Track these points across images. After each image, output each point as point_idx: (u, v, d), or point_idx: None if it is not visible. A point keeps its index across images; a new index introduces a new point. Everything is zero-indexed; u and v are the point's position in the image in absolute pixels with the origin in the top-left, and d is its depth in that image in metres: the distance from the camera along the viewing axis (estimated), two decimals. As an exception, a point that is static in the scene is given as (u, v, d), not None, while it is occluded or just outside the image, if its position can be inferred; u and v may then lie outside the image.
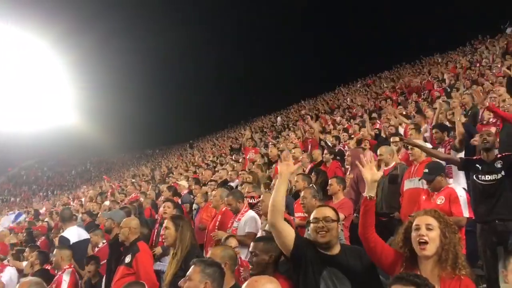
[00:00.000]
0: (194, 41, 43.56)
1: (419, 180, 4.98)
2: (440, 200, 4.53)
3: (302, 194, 5.15)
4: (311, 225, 3.14)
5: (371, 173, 2.94)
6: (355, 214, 6.11)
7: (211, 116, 42.42)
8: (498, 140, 6.22)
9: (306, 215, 5.14)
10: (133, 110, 39.70)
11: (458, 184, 5.59)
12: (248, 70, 44.37)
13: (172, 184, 11.54)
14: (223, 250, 3.75)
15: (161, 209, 7.05)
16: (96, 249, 6.76)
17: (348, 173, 6.85)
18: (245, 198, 6.28)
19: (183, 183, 11.15)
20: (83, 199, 16.98)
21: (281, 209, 3.03)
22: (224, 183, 9.09)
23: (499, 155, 5.01)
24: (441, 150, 6.42)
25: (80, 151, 40.84)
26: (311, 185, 5.82)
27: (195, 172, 15.11)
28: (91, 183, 30.53)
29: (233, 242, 4.68)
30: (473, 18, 27.65)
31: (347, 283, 2.91)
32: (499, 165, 4.79)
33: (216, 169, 13.20)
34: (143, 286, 3.37)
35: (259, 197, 6.44)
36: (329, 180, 5.87)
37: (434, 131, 6.92)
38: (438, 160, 5.20)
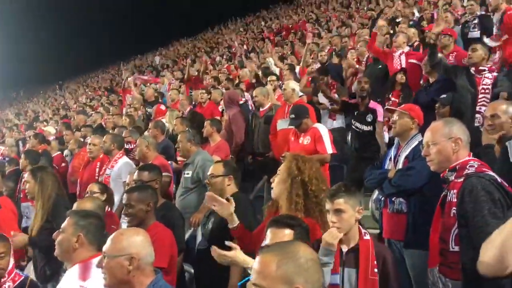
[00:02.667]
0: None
1: (288, 125, 5.18)
2: (306, 140, 4.80)
3: (178, 138, 5.07)
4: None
5: (224, 210, 3.00)
6: (231, 156, 6.27)
7: (82, 54, 39.02)
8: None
9: (183, 159, 5.13)
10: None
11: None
12: (122, 5, 41.06)
13: (38, 131, 10.63)
14: (92, 202, 3.59)
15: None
16: None
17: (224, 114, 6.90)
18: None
19: (50, 128, 10.36)
20: None
21: None
22: (99, 128, 8.61)
23: (370, 106, 5.49)
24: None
25: None
26: (186, 129, 5.75)
27: (65, 116, 14.10)
28: None
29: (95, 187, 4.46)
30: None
31: (211, 223, 3.46)
32: (369, 119, 5.38)
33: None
34: (6, 240, 3.12)
35: (136, 142, 6.21)
36: (205, 122, 5.89)
37: (359, 79, 7.10)
38: (302, 104, 5.48)
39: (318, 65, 8.73)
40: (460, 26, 7.40)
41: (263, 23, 23.08)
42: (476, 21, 6.76)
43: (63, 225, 2.66)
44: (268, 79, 7.51)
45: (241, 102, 7.27)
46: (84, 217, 2.68)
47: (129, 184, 4.22)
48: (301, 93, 6.57)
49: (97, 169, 5.88)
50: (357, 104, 5.62)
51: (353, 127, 5.55)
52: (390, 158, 3.56)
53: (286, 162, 2.92)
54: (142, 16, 39.81)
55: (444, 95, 5.16)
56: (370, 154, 5.34)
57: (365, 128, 5.42)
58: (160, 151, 5.66)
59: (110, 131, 7.53)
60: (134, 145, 6.22)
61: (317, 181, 2.88)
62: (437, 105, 4.97)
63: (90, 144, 6.09)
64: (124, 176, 5.21)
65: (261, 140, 6.28)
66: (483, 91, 4.54)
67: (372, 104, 5.58)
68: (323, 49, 9.73)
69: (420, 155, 3.17)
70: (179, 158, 5.82)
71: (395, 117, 3.58)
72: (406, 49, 6.78)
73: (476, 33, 6.71)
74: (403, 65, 6.47)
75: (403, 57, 6.52)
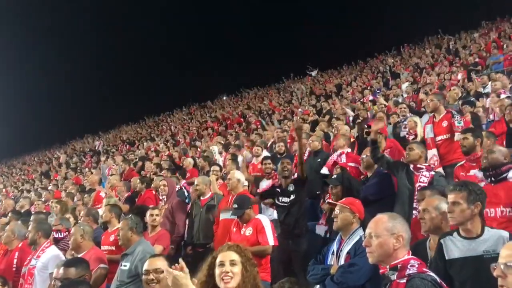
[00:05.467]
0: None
1: (231, 215, 5.13)
2: (248, 231, 4.75)
3: (119, 225, 4.81)
4: (143, 276, 3.26)
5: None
6: (171, 246, 6.01)
7: (19, 136, 37.53)
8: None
9: (114, 248, 4.84)
10: None
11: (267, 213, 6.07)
12: (64, 88, 40.61)
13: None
14: None
15: None
16: None
17: (163, 203, 6.72)
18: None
19: (-21, 211, 9.60)
20: None
21: None
22: (26, 214, 8.05)
23: (292, 178, 5.64)
24: (269, 182, 6.84)
25: None
26: (130, 215, 5.50)
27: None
28: None
29: None
30: (286, 59, 30.78)
31: None
32: (291, 188, 5.47)
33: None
34: None
35: (67, 231, 5.83)
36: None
37: (267, 161, 7.22)
38: (246, 194, 5.50)
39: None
40: (392, 125, 7.98)
41: (207, 113, 23.70)
42: (406, 122, 7.31)
43: None
44: (212, 169, 7.51)
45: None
46: None
47: (56, 279, 3.83)
48: (245, 183, 6.62)
49: (15, 260, 5.40)
50: (276, 186, 5.74)
51: (279, 203, 5.57)
52: (333, 252, 3.55)
53: (236, 252, 2.73)
54: (85, 98, 39.55)
55: (334, 176, 5.57)
56: (299, 231, 5.35)
57: (288, 199, 5.44)
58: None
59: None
60: (65, 234, 5.86)
61: None
62: (330, 186, 5.25)
63: (5, 230, 5.65)
64: (51, 268, 4.80)
65: (202, 230, 6.11)
66: (419, 188, 4.71)
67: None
68: (268, 140, 10.07)
69: (362, 251, 3.19)
70: (105, 248, 5.48)
71: (336, 211, 3.64)
72: (347, 150, 6.95)
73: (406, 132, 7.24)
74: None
75: (343, 156, 6.72)
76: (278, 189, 5.63)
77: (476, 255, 2.83)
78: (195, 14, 39.84)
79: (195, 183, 6.49)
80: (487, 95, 9.11)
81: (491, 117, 7.51)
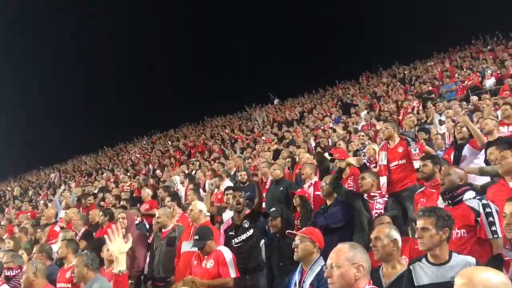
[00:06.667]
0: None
1: (192, 247, 5.01)
2: (209, 263, 4.64)
3: (74, 261, 4.60)
4: None
5: (118, 246, 2.78)
6: (131, 281, 5.79)
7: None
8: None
9: (69, 286, 4.63)
10: None
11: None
12: (19, 119, 39.06)
13: None
14: None
15: None
16: None
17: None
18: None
19: None
20: None
21: None
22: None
23: (246, 213, 5.57)
24: (231, 213, 6.67)
25: None
26: (85, 251, 5.27)
27: None
28: None
29: None
30: (249, 90, 30.99)
31: None
32: (246, 225, 5.40)
33: None
34: None
35: (19, 268, 5.52)
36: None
37: (229, 192, 7.03)
38: (208, 225, 5.40)
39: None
40: (352, 154, 8.12)
41: (169, 142, 23.46)
42: (365, 150, 7.47)
43: None
44: (166, 200, 7.39)
45: (136, 222, 7.07)
46: None
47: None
48: (207, 214, 6.50)
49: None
50: (230, 230, 5.61)
51: (235, 245, 5.38)
52: (295, 283, 3.52)
53: None
54: (41, 129, 38.18)
55: (273, 209, 5.58)
56: (254, 265, 5.27)
57: (244, 236, 5.34)
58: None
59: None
60: (17, 271, 5.56)
61: None
62: (269, 218, 5.29)
63: None
64: (0, 311, 4.54)
65: (162, 263, 5.93)
66: (376, 215, 4.82)
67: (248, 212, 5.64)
68: (231, 170, 10.00)
69: (325, 282, 3.17)
70: (61, 285, 5.21)
71: (296, 241, 3.63)
72: (314, 179, 6.89)
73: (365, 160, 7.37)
74: (311, 196, 6.56)
75: (311, 189, 6.66)
76: (231, 233, 5.50)
77: (445, 281, 2.85)
78: (157, 42, 39.86)
79: (157, 215, 6.33)
80: (441, 122, 9.49)
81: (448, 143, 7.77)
